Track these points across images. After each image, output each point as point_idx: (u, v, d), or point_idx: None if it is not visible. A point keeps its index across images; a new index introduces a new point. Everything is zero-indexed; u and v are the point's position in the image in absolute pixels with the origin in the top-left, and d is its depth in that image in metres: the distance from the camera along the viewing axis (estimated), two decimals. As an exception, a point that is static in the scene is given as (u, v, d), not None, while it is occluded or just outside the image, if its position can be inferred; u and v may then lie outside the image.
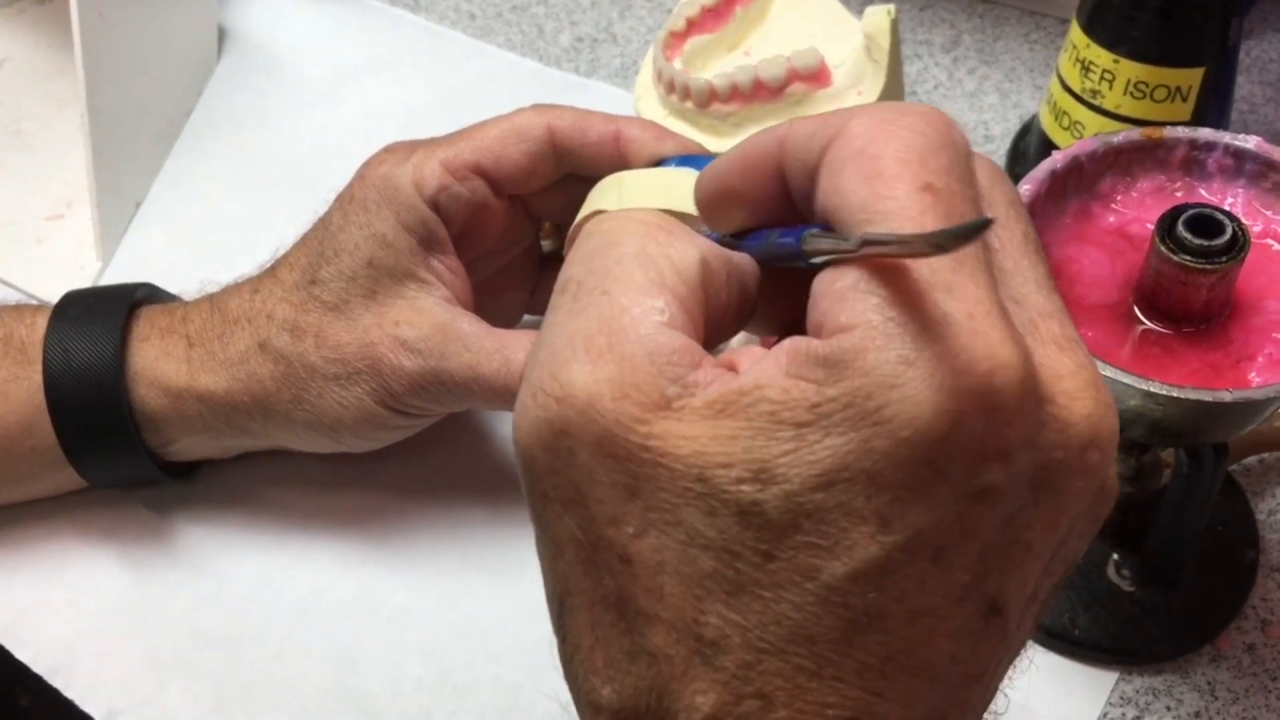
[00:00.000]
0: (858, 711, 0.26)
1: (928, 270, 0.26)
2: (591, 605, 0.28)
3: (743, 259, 0.31)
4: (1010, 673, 0.30)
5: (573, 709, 0.30)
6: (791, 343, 0.27)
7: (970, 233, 0.24)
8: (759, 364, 0.27)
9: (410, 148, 0.49)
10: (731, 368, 0.28)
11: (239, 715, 0.49)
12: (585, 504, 0.27)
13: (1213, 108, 0.59)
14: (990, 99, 0.70)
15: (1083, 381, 0.27)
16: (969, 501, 0.26)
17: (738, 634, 0.26)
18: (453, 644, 0.51)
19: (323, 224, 0.50)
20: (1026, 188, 0.45)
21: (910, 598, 0.26)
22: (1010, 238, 0.29)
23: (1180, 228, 0.41)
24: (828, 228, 0.28)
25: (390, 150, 0.50)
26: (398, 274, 0.48)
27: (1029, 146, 0.65)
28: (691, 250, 0.30)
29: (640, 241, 0.29)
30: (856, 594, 0.26)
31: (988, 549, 0.26)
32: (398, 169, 0.48)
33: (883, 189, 0.27)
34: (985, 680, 0.28)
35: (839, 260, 0.27)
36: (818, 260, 0.28)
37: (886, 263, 0.26)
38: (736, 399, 0.26)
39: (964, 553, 0.26)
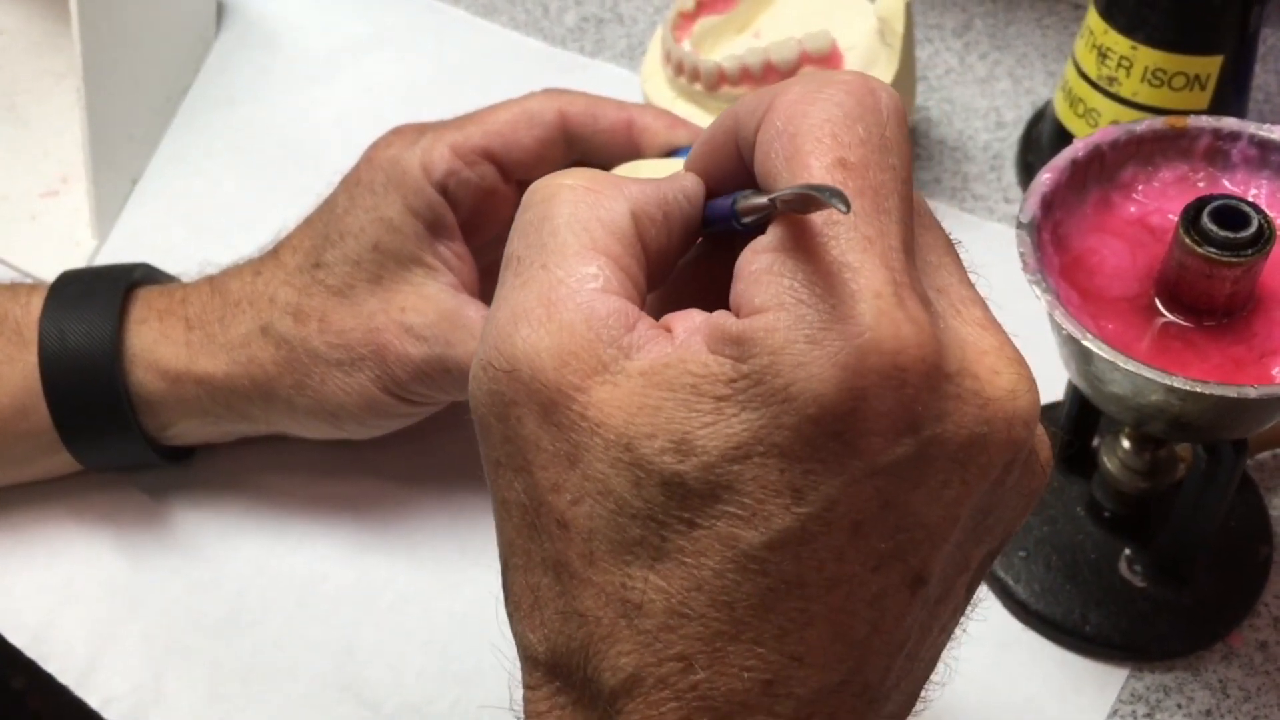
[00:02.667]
0: (775, 674, 0.27)
1: (838, 252, 0.27)
2: (530, 567, 0.29)
3: (678, 196, 0.32)
4: (951, 644, 0.31)
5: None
6: (715, 319, 0.28)
7: (826, 195, 0.26)
8: (686, 338, 0.28)
9: (419, 130, 0.48)
10: (667, 329, 0.29)
11: (235, 702, 0.49)
12: (530, 470, 0.28)
13: (1231, 97, 0.58)
14: (1002, 85, 0.69)
15: (1006, 358, 0.28)
16: (884, 475, 0.27)
17: (661, 598, 0.27)
18: (453, 633, 0.50)
19: (328, 206, 0.49)
20: (1047, 176, 0.44)
21: (828, 567, 0.27)
22: (935, 240, 0.30)
23: (1205, 219, 0.41)
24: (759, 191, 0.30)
25: (398, 133, 0.49)
26: (404, 259, 0.47)
27: (1042, 133, 0.65)
28: (621, 205, 0.30)
29: (571, 208, 0.30)
30: (774, 562, 0.27)
31: (909, 520, 0.27)
32: (406, 152, 0.47)
33: (799, 169, 0.28)
34: (910, 647, 0.29)
35: (758, 234, 0.28)
36: (748, 220, 0.29)
37: (799, 245, 0.27)
38: (663, 370, 0.27)
39: (883, 523, 0.27)
